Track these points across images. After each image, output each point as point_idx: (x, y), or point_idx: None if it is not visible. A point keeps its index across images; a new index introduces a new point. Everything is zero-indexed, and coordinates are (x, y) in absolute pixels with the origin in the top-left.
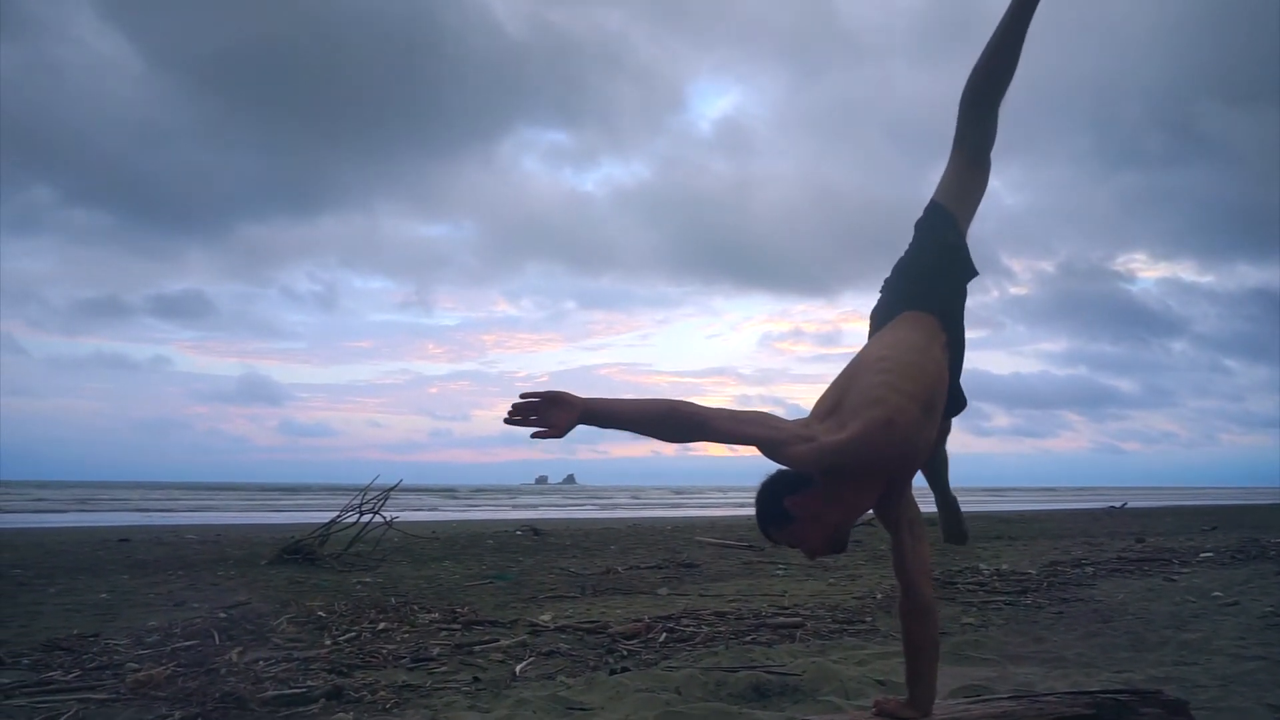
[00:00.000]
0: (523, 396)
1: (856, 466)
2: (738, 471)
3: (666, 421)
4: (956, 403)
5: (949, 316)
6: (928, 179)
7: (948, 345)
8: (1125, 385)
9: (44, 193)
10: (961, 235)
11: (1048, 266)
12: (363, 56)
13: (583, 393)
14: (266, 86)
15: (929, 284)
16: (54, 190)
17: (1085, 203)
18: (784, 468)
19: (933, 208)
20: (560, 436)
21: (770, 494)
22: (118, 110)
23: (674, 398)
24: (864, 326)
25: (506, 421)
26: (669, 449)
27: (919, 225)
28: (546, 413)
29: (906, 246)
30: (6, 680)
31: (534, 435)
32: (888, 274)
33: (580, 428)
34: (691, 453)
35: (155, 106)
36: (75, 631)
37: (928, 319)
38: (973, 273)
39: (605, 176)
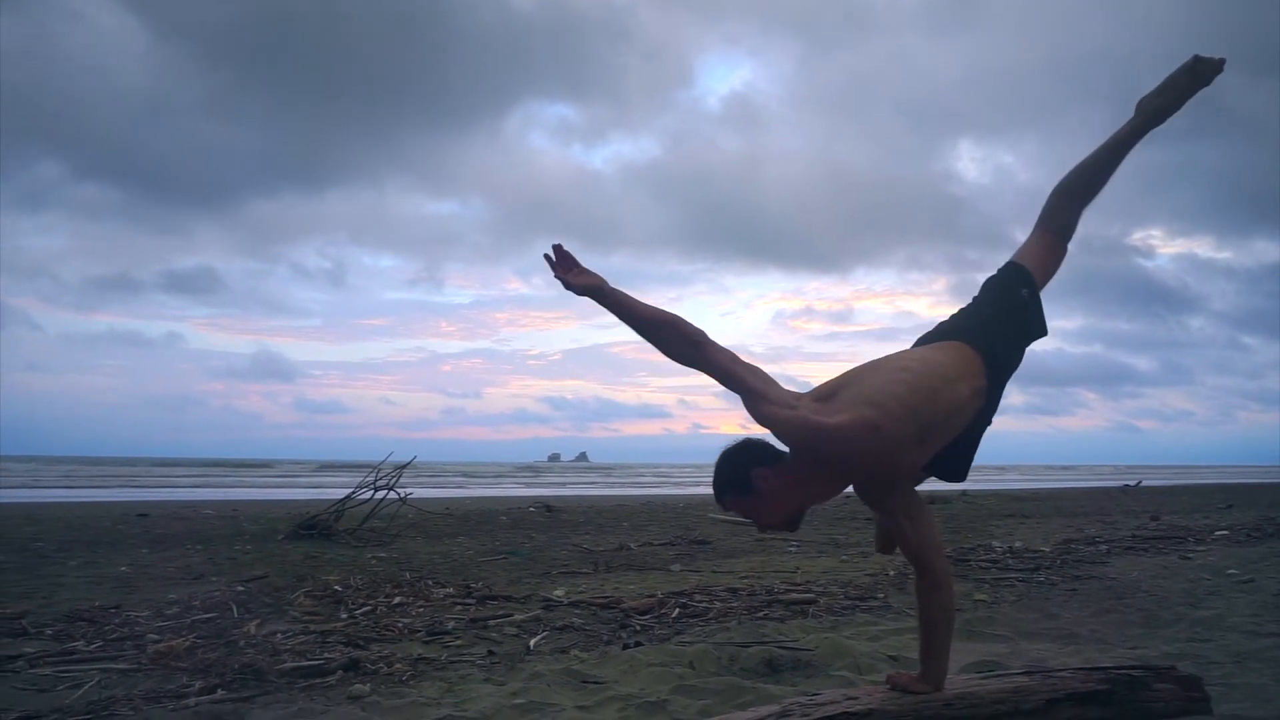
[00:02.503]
0: (567, 251)
1: (828, 456)
2: None
3: (664, 330)
4: (954, 469)
5: (996, 367)
6: (941, 154)
7: (980, 393)
8: (1142, 363)
9: (51, 168)
10: (1036, 292)
11: None
12: (369, 28)
13: (598, 370)
14: (272, 60)
15: (991, 330)
16: (61, 165)
17: None
18: (755, 437)
19: (1011, 266)
20: (568, 287)
21: (738, 460)
22: (123, 84)
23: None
24: (876, 303)
25: (546, 255)
26: (682, 426)
27: (990, 282)
28: (577, 272)
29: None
30: (31, 650)
31: (556, 276)
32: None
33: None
34: (705, 430)
35: (160, 80)
36: (97, 603)
37: (974, 357)
38: (1041, 332)
39: (614, 153)
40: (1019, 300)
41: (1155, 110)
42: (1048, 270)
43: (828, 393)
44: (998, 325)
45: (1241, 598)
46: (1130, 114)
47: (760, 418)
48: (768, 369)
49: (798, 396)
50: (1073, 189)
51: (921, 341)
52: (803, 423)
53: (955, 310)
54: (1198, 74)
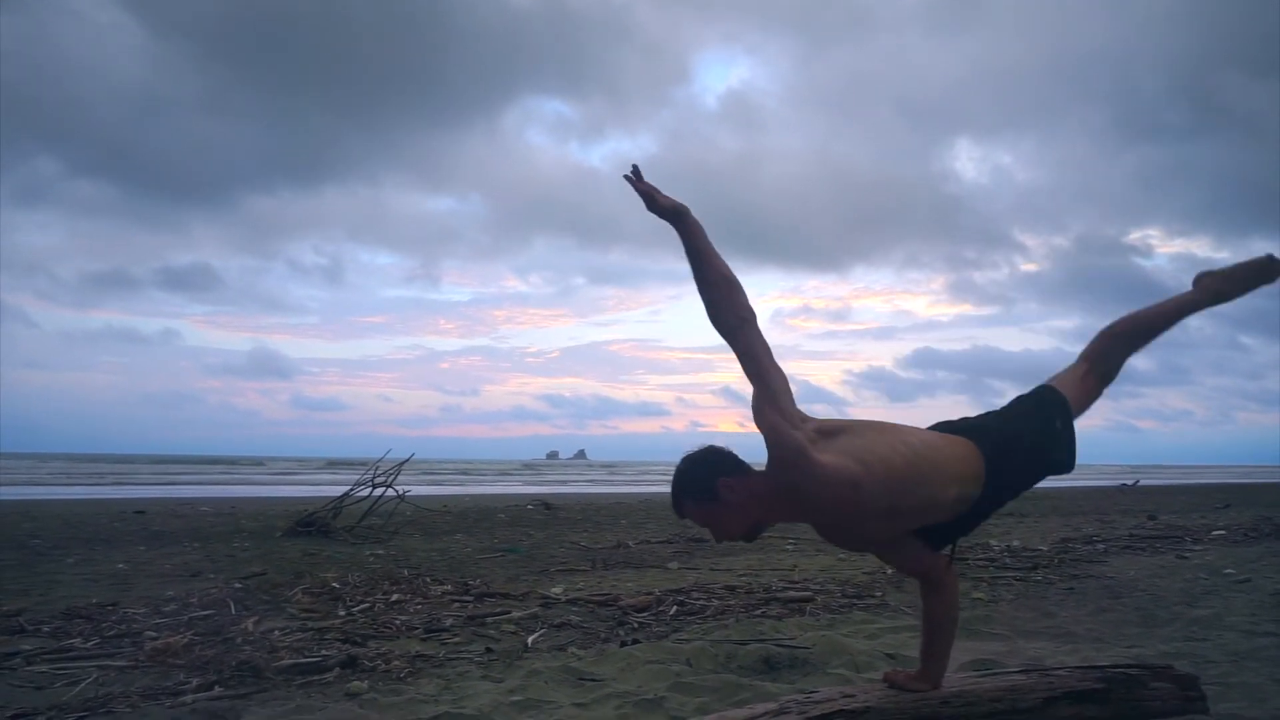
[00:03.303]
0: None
1: (800, 487)
2: (748, 448)
3: (723, 288)
4: (937, 542)
5: (996, 484)
6: (939, 154)
7: (967, 500)
8: (1141, 363)
9: (48, 164)
10: (1071, 425)
11: (1061, 242)
12: (367, 25)
13: (596, 368)
14: (268, 56)
15: (1010, 448)
16: (58, 162)
17: (1100, 177)
18: (721, 446)
19: (1051, 391)
20: (650, 206)
21: (706, 468)
22: (119, 80)
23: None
24: (875, 302)
25: (626, 176)
26: (680, 424)
27: (1024, 401)
28: (660, 195)
29: (999, 410)
30: (28, 647)
31: (638, 190)
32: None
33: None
34: (703, 428)
35: (156, 76)
36: (94, 600)
37: (978, 465)
38: (1067, 468)
39: (612, 151)
40: (1051, 430)
41: (1215, 294)
42: (1081, 409)
43: (831, 430)
44: (1018, 446)
45: (1238, 597)
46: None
47: (762, 421)
48: None
49: (804, 419)
50: (1125, 336)
51: (939, 427)
52: (797, 447)
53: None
54: (1267, 272)
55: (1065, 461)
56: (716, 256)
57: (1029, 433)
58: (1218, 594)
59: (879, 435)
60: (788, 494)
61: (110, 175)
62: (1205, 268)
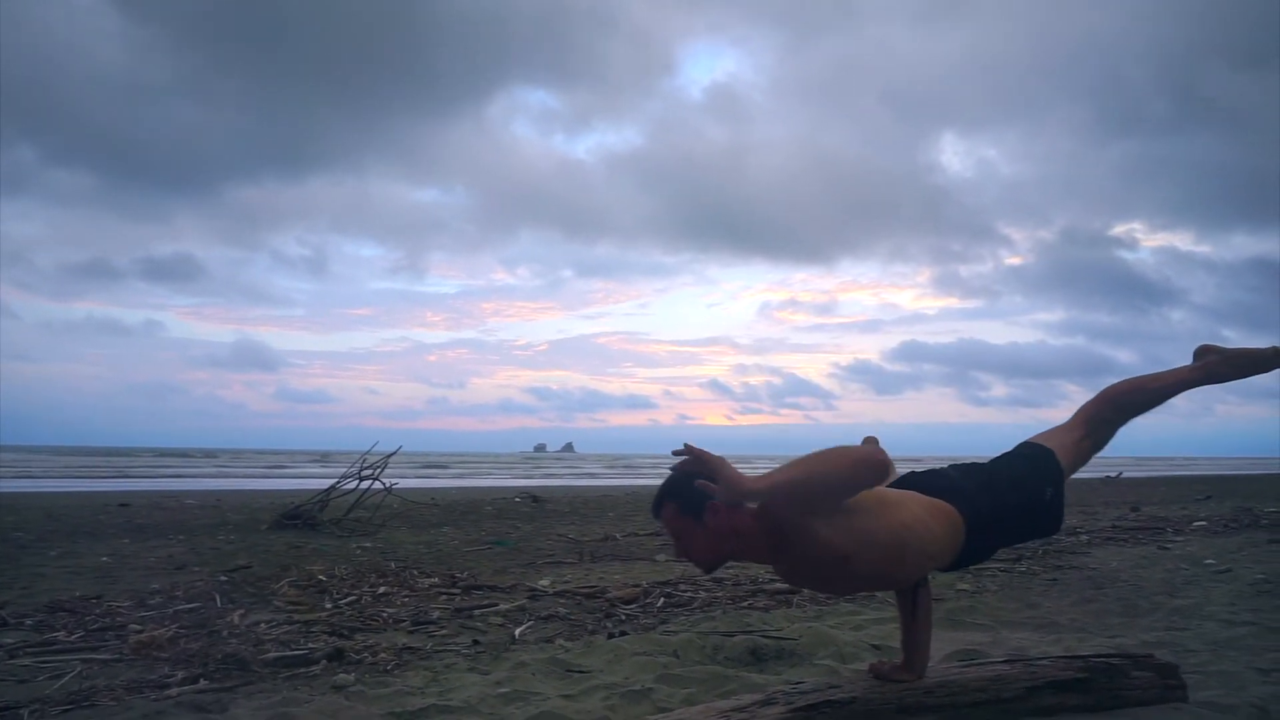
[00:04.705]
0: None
1: (790, 538)
2: (736, 441)
3: (849, 471)
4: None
5: (968, 555)
6: (925, 146)
7: (931, 569)
8: (1123, 355)
9: (25, 152)
10: (1061, 490)
11: (1046, 235)
12: (352, 11)
13: (584, 361)
14: (251, 42)
15: (996, 523)
16: (35, 149)
17: (1085, 171)
18: None
19: (1047, 456)
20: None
21: (699, 489)
22: (97, 66)
23: (851, 448)
24: (861, 295)
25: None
26: (667, 417)
27: (1018, 463)
28: (725, 487)
29: (991, 461)
30: (11, 640)
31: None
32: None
33: None
34: (690, 422)
35: (135, 62)
36: (77, 593)
37: (957, 539)
38: (1053, 531)
39: (597, 143)
40: (1041, 499)
41: (1215, 376)
42: (1072, 471)
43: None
44: (1000, 526)
45: (1218, 587)
46: None
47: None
48: (753, 360)
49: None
50: (1125, 407)
51: (935, 479)
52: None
53: (975, 466)
54: (1269, 363)
55: (1051, 528)
56: (821, 470)
57: (1020, 504)
58: (1198, 584)
59: (879, 515)
60: (773, 538)
61: (89, 164)
62: (1186, 259)
